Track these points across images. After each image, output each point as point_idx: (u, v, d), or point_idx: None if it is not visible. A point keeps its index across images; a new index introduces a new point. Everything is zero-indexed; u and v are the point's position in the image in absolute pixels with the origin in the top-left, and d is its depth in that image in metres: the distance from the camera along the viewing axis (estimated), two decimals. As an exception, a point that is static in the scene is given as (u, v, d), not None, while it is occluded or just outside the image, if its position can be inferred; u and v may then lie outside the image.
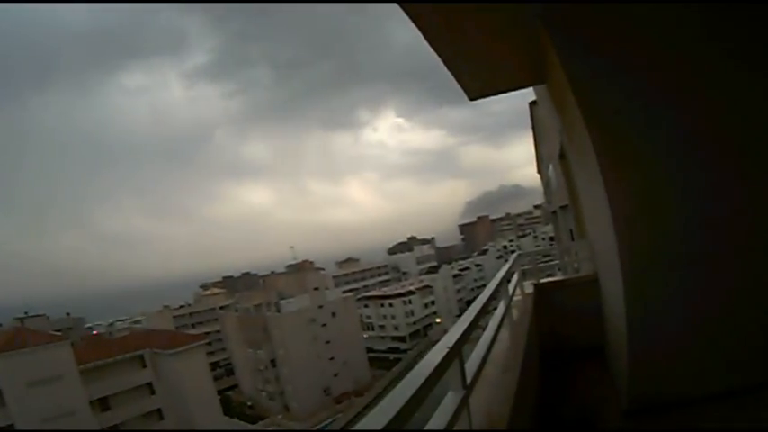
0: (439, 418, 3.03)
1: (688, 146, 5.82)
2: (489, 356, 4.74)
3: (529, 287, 10.22)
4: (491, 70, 7.92)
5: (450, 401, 3.31)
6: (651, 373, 6.32)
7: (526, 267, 11.37)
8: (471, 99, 8.71)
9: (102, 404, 55.35)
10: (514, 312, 7.88)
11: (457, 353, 3.42)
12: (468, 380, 3.59)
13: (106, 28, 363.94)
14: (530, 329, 7.18)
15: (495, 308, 6.50)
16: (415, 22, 5.52)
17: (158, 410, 59.92)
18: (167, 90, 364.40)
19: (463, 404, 3.36)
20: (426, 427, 2.89)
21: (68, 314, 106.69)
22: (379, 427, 1.88)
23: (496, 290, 6.06)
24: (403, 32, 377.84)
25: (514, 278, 8.96)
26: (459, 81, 7.72)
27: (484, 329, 5.25)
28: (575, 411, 7.05)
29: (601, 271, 8.60)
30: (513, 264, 8.85)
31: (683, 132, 5.81)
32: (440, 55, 6.57)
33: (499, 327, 5.70)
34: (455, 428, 3.08)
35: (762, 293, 5.90)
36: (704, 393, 5.95)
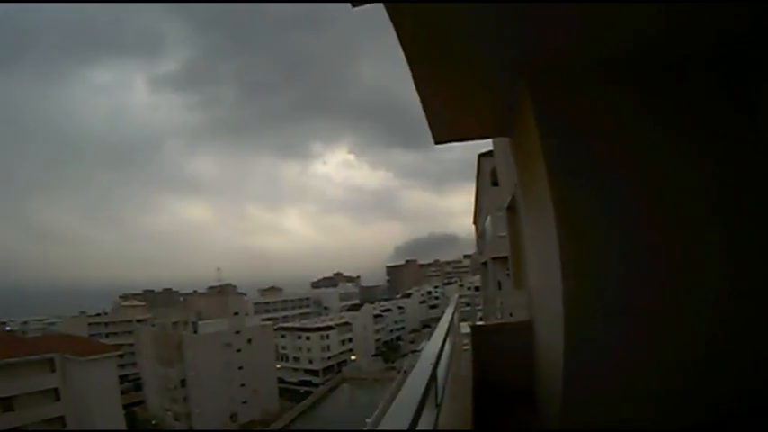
0: None
1: (636, 207, 6.34)
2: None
3: (465, 328, 10.54)
4: (466, 117, 8.30)
5: (426, 419, 3.44)
6: (584, 417, 6.58)
7: (464, 309, 11.71)
8: (437, 143, 9.01)
9: (5, 404, 52.84)
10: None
11: (434, 371, 3.60)
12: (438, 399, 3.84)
13: (85, 17, 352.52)
14: (472, 365, 7.49)
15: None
16: (410, 64, 5.84)
17: (62, 417, 57.50)
18: (131, 91, 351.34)
19: (437, 422, 3.59)
20: None
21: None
22: None
23: (450, 322, 6.35)
24: (372, 71, 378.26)
25: (456, 318, 9.28)
26: (430, 124, 8.04)
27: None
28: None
29: (539, 318, 8.91)
30: (456, 305, 9.23)
31: (633, 195, 6.32)
32: (423, 97, 6.89)
33: (451, 356, 6.00)
34: None
35: (694, 346, 6.35)
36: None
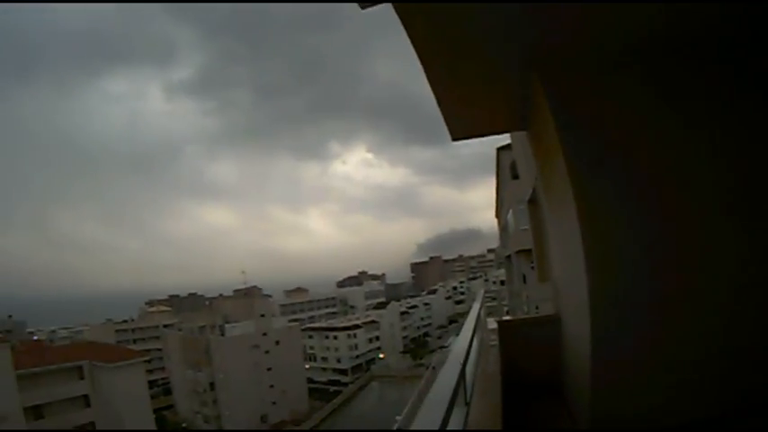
0: None
1: (655, 198, 6.23)
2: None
3: (492, 324, 10.51)
4: (481, 113, 8.25)
5: (456, 417, 3.44)
6: (613, 408, 6.58)
7: (490, 304, 11.70)
8: (454, 139, 8.98)
9: (36, 412, 53.64)
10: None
11: (463, 370, 3.60)
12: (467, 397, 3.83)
13: (96, 29, 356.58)
14: (500, 361, 7.48)
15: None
16: (422, 63, 5.81)
17: (92, 423, 58.27)
18: (147, 99, 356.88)
19: (466, 421, 3.58)
20: None
21: (10, 317, 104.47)
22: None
23: (477, 319, 6.35)
24: (385, 69, 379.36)
25: (482, 313, 9.26)
26: (447, 120, 7.99)
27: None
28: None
29: (565, 311, 8.84)
30: (481, 301, 9.23)
31: (651, 186, 6.22)
32: (437, 94, 6.82)
33: (479, 353, 5.99)
34: None
35: (720, 334, 6.28)
36: (666, 426, 6.30)
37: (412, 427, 2.28)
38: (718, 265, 6.25)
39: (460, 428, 3.44)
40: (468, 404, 3.88)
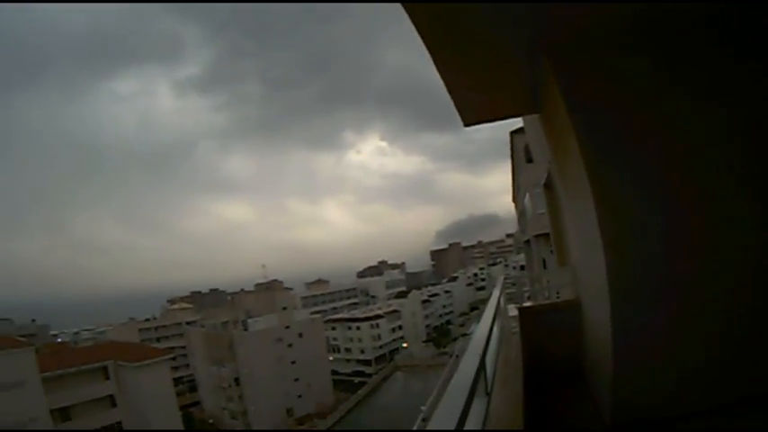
0: (474, 427, 3.14)
1: (669, 180, 6.13)
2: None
3: (512, 311, 10.45)
4: (492, 98, 8.16)
5: (476, 409, 3.39)
6: (635, 393, 6.51)
7: (510, 291, 11.64)
8: (466, 125, 8.90)
9: (63, 414, 54.19)
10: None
11: (482, 361, 3.53)
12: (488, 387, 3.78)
13: (103, 31, 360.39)
14: (521, 348, 7.42)
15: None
16: (430, 50, 5.75)
17: (119, 423, 58.75)
18: (157, 98, 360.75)
19: (487, 412, 3.53)
20: None
21: (34, 320, 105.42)
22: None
23: (497, 307, 6.30)
24: (394, 56, 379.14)
25: (502, 300, 9.20)
26: (458, 106, 7.92)
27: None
28: (560, 427, 7.22)
29: (585, 295, 8.77)
30: (501, 288, 9.17)
31: (665, 168, 6.13)
32: (446, 81, 6.76)
33: (500, 340, 5.94)
34: None
35: (737, 318, 6.21)
36: (685, 411, 6.21)
37: (432, 421, 2.22)
38: (735, 251, 6.18)
39: (482, 419, 3.39)
40: (489, 394, 3.83)
